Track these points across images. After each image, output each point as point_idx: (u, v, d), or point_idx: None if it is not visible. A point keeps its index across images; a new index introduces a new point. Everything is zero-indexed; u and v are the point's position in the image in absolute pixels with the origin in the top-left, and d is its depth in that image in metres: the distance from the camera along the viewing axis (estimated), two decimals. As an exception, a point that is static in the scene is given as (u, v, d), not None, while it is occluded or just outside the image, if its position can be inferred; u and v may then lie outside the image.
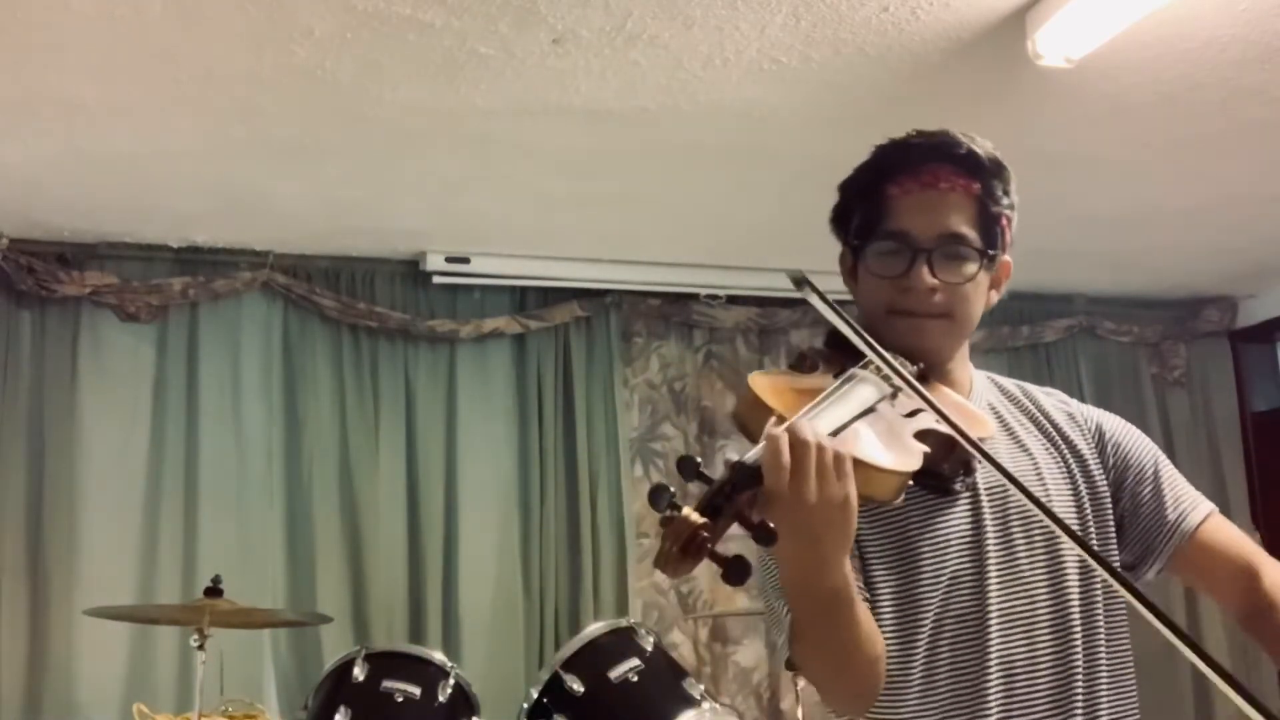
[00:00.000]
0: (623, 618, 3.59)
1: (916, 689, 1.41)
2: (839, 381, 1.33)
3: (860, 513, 1.24)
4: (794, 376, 1.39)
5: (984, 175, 1.47)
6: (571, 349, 4.49)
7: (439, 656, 3.34)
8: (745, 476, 1.13)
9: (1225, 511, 5.21)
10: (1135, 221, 4.19)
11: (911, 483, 1.31)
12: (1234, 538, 1.55)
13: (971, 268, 1.45)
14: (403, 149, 3.43)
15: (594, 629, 3.35)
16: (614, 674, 3.19)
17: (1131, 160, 3.64)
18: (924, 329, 1.45)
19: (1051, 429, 1.55)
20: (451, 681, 3.23)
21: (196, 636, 3.22)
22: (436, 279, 4.35)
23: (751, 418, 1.26)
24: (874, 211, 1.47)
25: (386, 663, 3.25)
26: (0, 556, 3.87)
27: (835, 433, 1.22)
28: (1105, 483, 1.52)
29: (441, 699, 3.19)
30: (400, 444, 4.28)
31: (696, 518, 1.08)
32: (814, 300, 1.30)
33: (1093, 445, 1.55)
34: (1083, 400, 4.82)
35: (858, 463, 1.20)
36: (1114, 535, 1.52)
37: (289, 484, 4.18)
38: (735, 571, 1.08)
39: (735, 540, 1.09)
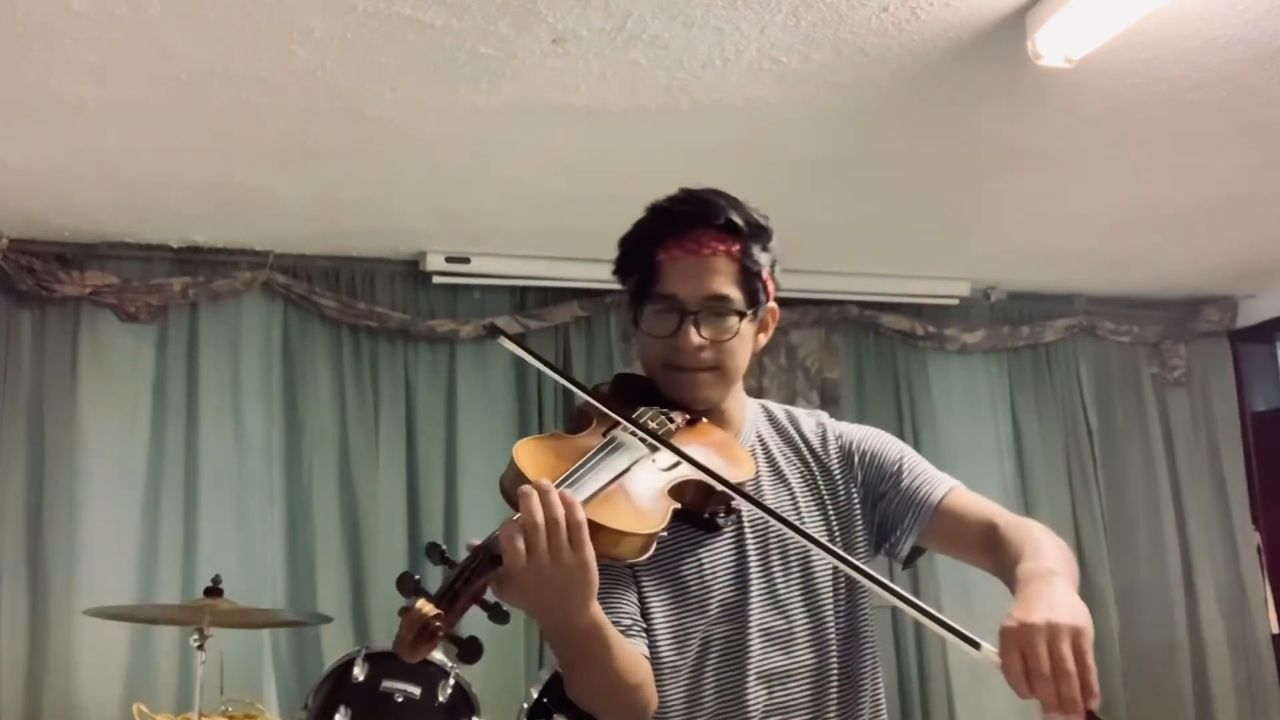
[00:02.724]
0: (623, 618, 3.58)
1: (682, 706, 1.55)
2: (599, 447, 1.43)
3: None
4: (562, 440, 1.49)
5: (743, 238, 1.60)
6: (571, 349, 4.50)
7: (439, 656, 3.34)
8: (485, 561, 1.23)
9: (1225, 511, 5.18)
10: (1135, 221, 4.19)
11: (677, 523, 1.46)
12: (975, 504, 1.64)
13: (734, 324, 1.59)
14: (403, 149, 3.43)
15: (594, 629, 3.35)
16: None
17: (1131, 160, 3.64)
18: (696, 382, 1.59)
19: (808, 453, 1.70)
20: (451, 681, 3.23)
21: (196, 636, 3.22)
22: (436, 279, 4.35)
23: (512, 490, 1.32)
24: (646, 275, 1.61)
25: (386, 663, 3.25)
26: (0, 556, 3.87)
27: (590, 498, 1.32)
28: (856, 493, 1.67)
29: (441, 699, 3.19)
30: (400, 444, 4.28)
31: (430, 609, 1.17)
32: (527, 358, 1.52)
33: (842, 462, 1.69)
34: (1083, 401, 4.81)
35: (601, 528, 1.30)
36: (862, 543, 1.66)
37: (289, 484, 4.18)
38: (468, 653, 1.19)
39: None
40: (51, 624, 3.85)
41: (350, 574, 4.16)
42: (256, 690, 3.86)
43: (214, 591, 3.28)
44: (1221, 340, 5.26)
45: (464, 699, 3.26)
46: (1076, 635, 1.26)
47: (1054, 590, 1.32)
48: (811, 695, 1.58)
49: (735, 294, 1.59)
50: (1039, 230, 4.28)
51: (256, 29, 2.72)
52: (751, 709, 1.55)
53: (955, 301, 4.89)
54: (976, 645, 1.27)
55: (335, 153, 3.45)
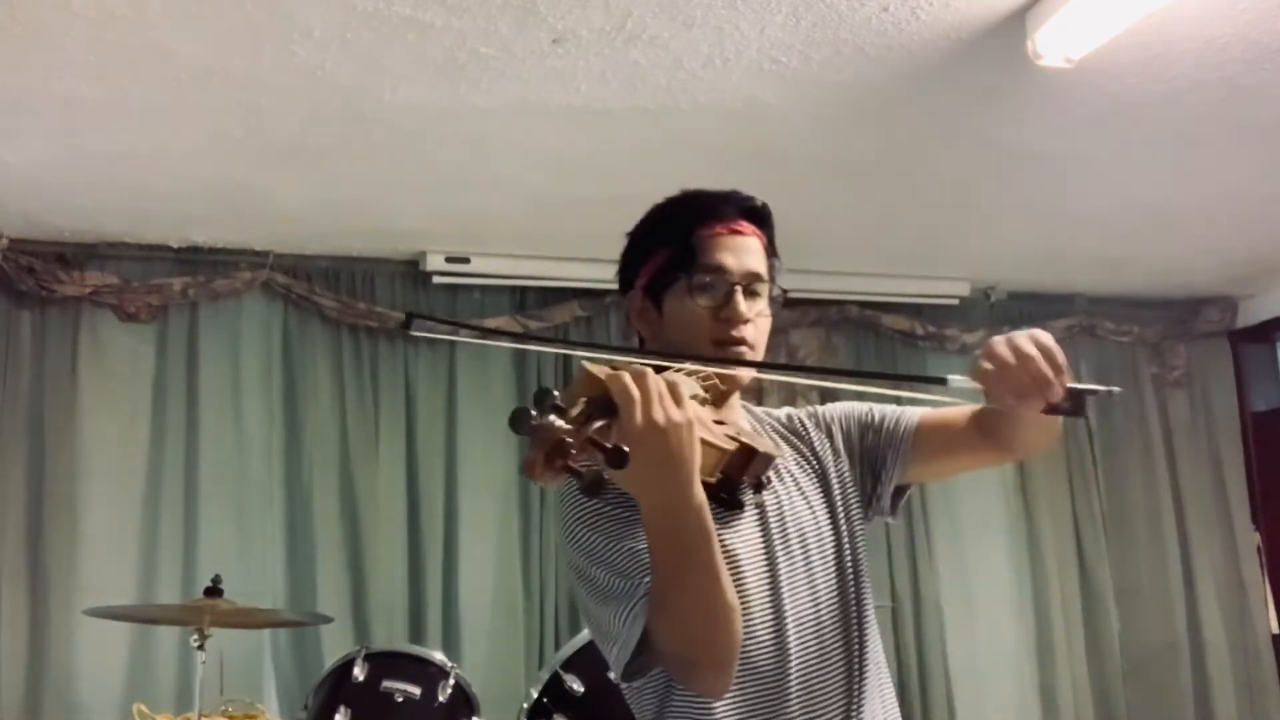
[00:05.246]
0: (622, 618, 3.58)
1: (732, 697, 1.48)
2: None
3: None
4: None
5: (767, 227, 1.66)
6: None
7: (439, 656, 3.34)
8: (598, 407, 1.24)
9: (1225, 512, 5.20)
10: (1135, 221, 4.19)
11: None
12: (952, 409, 1.70)
13: (763, 303, 1.63)
14: (403, 149, 3.43)
15: (594, 629, 3.35)
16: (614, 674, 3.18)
17: (1131, 160, 3.64)
18: (742, 358, 1.60)
19: (792, 436, 1.73)
20: (451, 681, 3.23)
21: (196, 636, 3.22)
22: (436, 279, 4.35)
23: (588, 387, 1.32)
24: (685, 251, 1.60)
25: (386, 663, 3.25)
26: (0, 556, 3.87)
27: None
28: (843, 459, 1.71)
29: (441, 699, 3.19)
30: (400, 444, 4.28)
31: (563, 424, 1.17)
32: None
33: (821, 433, 1.73)
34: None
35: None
36: (856, 507, 1.68)
37: (289, 484, 4.18)
38: (593, 486, 1.17)
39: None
40: (51, 624, 3.85)
41: (350, 574, 4.16)
42: (256, 690, 3.86)
43: (214, 591, 3.28)
44: (1221, 340, 5.26)
45: (464, 699, 3.27)
46: (1034, 334, 1.39)
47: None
48: (843, 685, 1.55)
49: (766, 275, 1.64)
50: (1039, 230, 4.28)
51: (256, 29, 2.72)
52: (793, 700, 1.51)
53: (955, 301, 4.89)
54: (943, 381, 1.38)
55: (335, 153, 3.45)
